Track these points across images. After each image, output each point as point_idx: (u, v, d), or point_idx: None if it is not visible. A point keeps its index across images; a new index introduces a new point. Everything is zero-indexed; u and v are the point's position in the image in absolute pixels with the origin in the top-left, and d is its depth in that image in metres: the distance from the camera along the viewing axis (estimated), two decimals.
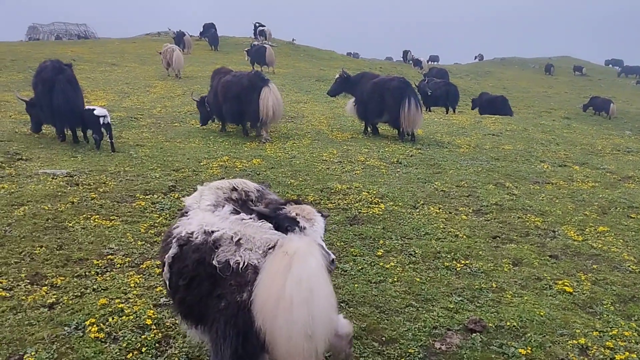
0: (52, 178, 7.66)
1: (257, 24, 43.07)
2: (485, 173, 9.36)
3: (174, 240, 3.15)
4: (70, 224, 5.97)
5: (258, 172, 8.76)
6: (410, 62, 48.42)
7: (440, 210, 7.17)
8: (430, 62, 60.69)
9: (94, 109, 10.00)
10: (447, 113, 20.87)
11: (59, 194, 6.96)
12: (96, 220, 6.14)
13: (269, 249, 2.85)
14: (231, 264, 2.84)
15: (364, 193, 7.71)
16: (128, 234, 5.78)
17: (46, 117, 10.43)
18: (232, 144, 11.34)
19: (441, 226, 6.52)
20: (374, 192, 7.80)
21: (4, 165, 8.22)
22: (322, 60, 35.22)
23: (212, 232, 3.01)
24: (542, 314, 4.42)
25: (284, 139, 12.11)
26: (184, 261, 3.04)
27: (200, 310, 3.01)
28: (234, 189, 3.70)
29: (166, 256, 3.15)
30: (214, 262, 2.88)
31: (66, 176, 7.81)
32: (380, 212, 6.91)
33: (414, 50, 53.97)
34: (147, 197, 7.11)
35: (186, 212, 3.35)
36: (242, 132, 12.82)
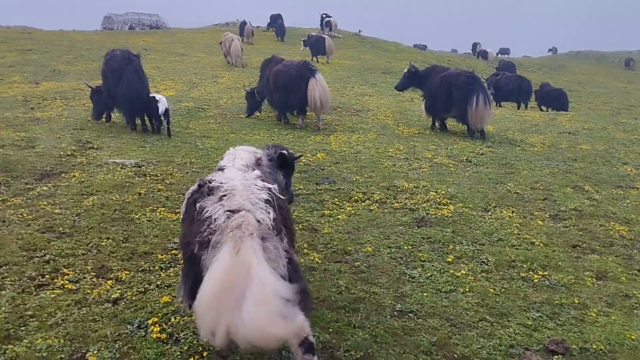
0: (121, 168, 7.76)
1: (324, 15, 42.94)
2: (562, 175, 8.82)
3: (197, 181, 3.54)
4: (137, 216, 6.00)
5: (322, 167, 8.59)
6: (477, 54, 46.90)
7: (514, 214, 6.77)
8: (500, 55, 58.83)
9: (154, 96, 10.38)
10: (518, 109, 20.06)
11: (127, 184, 7.03)
12: (162, 212, 6.15)
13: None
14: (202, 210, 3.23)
15: (431, 193, 7.40)
16: None
17: (114, 104, 10.85)
18: (296, 137, 11.23)
19: (515, 232, 6.14)
20: (443, 192, 7.47)
21: (76, 153, 8.42)
22: (388, 52, 34.66)
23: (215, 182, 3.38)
24: (633, 337, 4.02)
25: (349, 133, 11.90)
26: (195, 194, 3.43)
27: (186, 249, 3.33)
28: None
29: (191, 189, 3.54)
30: (197, 204, 3.28)
31: (134, 166, 7.90)
32: (450, 214, 6.59)
33: (483, 43, 52.34)
34: None
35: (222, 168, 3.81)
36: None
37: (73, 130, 10.00)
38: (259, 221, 3.07)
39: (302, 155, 7.09)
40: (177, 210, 6.23)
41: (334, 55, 26.83)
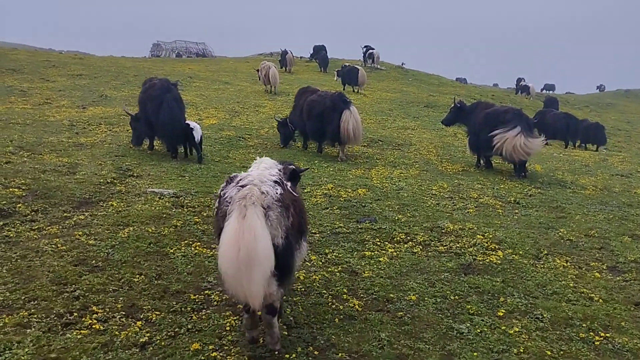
0: (159, 198, 7.66)
1: (366, 47, 43.11)
2: (617, 221, 8.30)
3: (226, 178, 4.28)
4: (172, 250, 5.82)
5: (363, 204, 8.31)
6: (518, 89, 45.33)
7: (568, 264, 6.32)
8: (545, 91, 57.82)
9: (188, 124, 10.65)
10: (566, 147, 19.43)
11: (164, 215, 6.90)
12: (197, 247, 5.96)
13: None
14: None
15: (478, 236, 7.01)
16: None
17: (152, 132, 11.00)
18: (337, 170, 10.99)
19: (571, 284, 5.69)
20: (490, 235, 7.07)
21: (115, 181, 8.38)
22: (430, 86, 34.38)
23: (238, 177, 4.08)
24: None
25: (391, 168, 11.61)
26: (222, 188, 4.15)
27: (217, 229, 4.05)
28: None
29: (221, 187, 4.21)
30: (221, 193, 4.07)
31: (172, 196, 7.79)
32: (499, 261, 6.19)
33: (528, 78, 51.45)
34: None
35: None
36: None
37: (115, 157, 10.02)
38: (263, 193, 3.76)
39: (307, 168, 8.24)
40: (213, 246, 6.04)
41: (365, 86, 27.06)
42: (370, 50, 40.88)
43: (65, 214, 6.64)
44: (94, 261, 5.33)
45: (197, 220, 6.84)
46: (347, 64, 31.11)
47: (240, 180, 3.96)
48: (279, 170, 4.32)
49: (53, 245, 5.58)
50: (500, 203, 9.01)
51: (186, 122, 10.83)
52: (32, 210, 6.63)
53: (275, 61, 35.47)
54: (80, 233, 6.01)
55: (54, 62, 24.73)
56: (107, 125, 13.38)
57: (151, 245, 5.90)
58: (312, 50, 43.35)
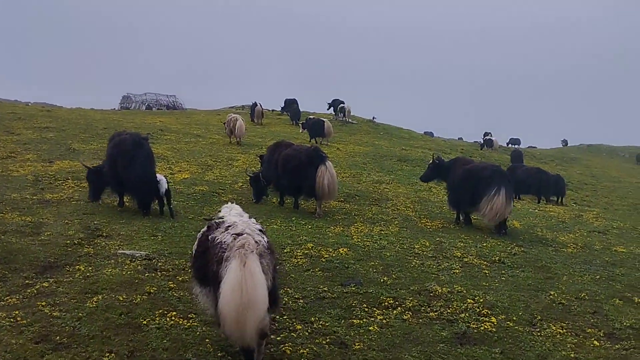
0: (130, 261, 7.19)
1: (333, 101, 43.62)
2: (605, 282, 8.12)
3: (207, 223, 4.80)
4: (145, 322, 5.34)
5: (346, 265, 7.95)
6: (483, 144, 45.16)
7: (565, 330, 6.04)
8: (511, 145, 59.12)
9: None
10: (538, 202, 19.53)
11: (136, 281, 6.42)
12: (173, 318, 5.49)
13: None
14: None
15: (469, 300, 6.71)
16: (207, 340, 5.06)
17: (121, 188, 10.67)
18: (315, 227, 10.66)
19: (572, 355, 5.39)
20: (481, 299, 6.77)
21: (83, 242, 7.88)
22: (401, 140, 34.71)
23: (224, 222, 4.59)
24: None
25: (370, 225, 11.34)
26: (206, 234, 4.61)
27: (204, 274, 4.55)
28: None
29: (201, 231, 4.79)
30: (210, 237, 4.48)
31: (145, 259, 7.32)
32: (494, 329, 5.87)
33: (494, 132, 52.46)
34: None
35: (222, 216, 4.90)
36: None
37: (83, 215, 9.53)
38: (257, 242, 4.29)
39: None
40: (190, 316, 5.58)
41: (332, 137, 27.31)
42: (341, 105, 41.35)
43: (27, 281, 6.12)
44: (58, 337, 4.82)
45: (172, 285, 6.38)
46: (312, 117, 31.52)
47: (230, 227, 4.42)
48: (249, 217, 4.92)
49: (11, 319, 5.05)
50: (485, 263, 8.76)
51: None
52: None
53: (246, 114, 35.61)
54: (43, 303, 5.50)
55: (20, 114, 24.14)
56: (74, 180, 12.86)
57: (122, 316, 5.41)
58: (284, 103, 43.67)
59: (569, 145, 67.46)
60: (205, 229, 4.70)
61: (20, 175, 12.89)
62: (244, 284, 3.94)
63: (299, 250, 8.52)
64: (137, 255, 7.43)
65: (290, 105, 38.79)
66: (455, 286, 7.28)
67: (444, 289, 7.12)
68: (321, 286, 6.89)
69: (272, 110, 44.19)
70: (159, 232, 8.95)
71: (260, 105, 35.79)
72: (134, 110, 48.28)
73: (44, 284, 6.05)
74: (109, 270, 6.70)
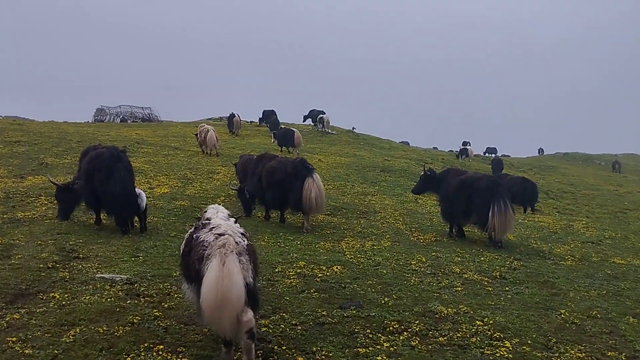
0: (110, 285, 6.60)
1: (315, 112, 43.33)
2: (613, 298, 7.77)
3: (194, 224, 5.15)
4: (129, 358, 4.78)
5: (342, 285, 7.47)
6: (459, 153, 44.51)
7: (584, 354, 5.62)
8: (487, 154, 59.42)
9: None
10: (525, 212, 19.30)
11: (117, 309, 5.84)
12: (160, 352, 4.93)
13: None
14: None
15: (477, 322, 6.27)
16: None
17: (97, 205, 10.07)
18: (305, 243, 10.17)
19: None
20: (490, 321, 6.34)
21: (58, 265, 7.26)
22: (382, 150, 34.47)
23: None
24: None
25: (361, 239, 10.89)
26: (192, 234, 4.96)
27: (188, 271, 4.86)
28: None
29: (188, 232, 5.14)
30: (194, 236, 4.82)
31: (126, 283, 6.74)
32: (510, 355, 5.43)
33: (467, 142, 52.41)
34: None
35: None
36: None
37: (57, 234, 8.88)
38: (237, 242, 4.56)
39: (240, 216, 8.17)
40: (179, 349, 5.03)
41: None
42: (321, 115, 41.03)
43: None
44: None
45: (157, 314, 5.81)
46: (282, 127, 32.24)
47: (214, 228, 4.73)
48: (234, 220, 5.23)
49: None
50: (486, 279, 8.36)
51: None
52: None
53: (223, 125, 35.18)
54: (13, 339, 4.90)
55: None
56: (47, 196, 12.15)
57: (103, 352, 4.84)
58: (262, 114, 43.15)
59: (545, 153, 68.15)
60: (192, 229, 5.11)
61: None
62: (220, 282, 4.25)
63: (291, 270, 8.02)
64: (117, 279, 6.84)
65: (269, 117, 38.30)
66: (460, 306, 6.85)
67: (449, 309, 6.68)
68: (319, 310, 6.39)
69: (251, 122, 43.64)
70: (140, 252, 8.36)
71: (238, 116, 35.36)
72: (108, 123, 47.33)
73: (14, 316, 5.44)
74: (87, 298, 6.11)
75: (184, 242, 5.18)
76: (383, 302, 6.84)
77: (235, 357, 4.86)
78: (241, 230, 4.90)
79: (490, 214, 10.42)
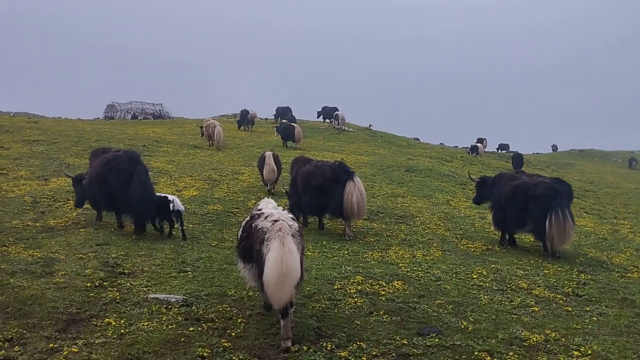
0: (166, 308, 6.04)
1: (327, 108, 42.78)
2: None
3: (249, 214, 6.01)
4: None
5: (410, 304, 6.88)
6: (470, 149, 43.39)
7: None
8: (500, 151, 58.61)
9: (166, 196, 9.75)
10: None
11: (182, 339, 5.28)
12: None
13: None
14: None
15: (574, 352, 5.68)
16: None
17: (114, 208, 9.96)
18: (352, 253, 9.63)
19: None
20: (588, 350, 5.73)
21: (105, 283, 6.70)
22: (400, 147, 33.77)
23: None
24: None
25: (408, 247, 10.34)
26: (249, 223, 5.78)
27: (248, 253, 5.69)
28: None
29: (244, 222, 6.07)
30: (253, 224, 5.61)
31: (182, 305, 6.18)
32: None
33: (475, 137, 51.38)
34: (292, 347, 5.31)
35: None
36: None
37: (96, 246, 8.34)
38: (290, 226, 5.34)
39: None
40: None
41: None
42: (335, 112, 40.42)
43: (50, 344, 4.94)
44: None
45: (226, 344, 5.24)
46: (284, 121, 33.52)
47: (269, 216, 5.49)
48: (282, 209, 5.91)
49: None
50: (559, 296, 7.75)
51: (164, 195, 9.90)
52: (5, 340, 4.91)
53: (233, 122, 35.06)
54: None
55: (7, 126, 22.74)
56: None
57: None
58: (276, 111, 42.56)
59: (559, 150, 67.22)
60: (248, 218, 5.95)
61: (17, 196, 11.63)
62: (283, 258, 4.99)
63: (351, 287, 7.44)
64: (172, 300, 6.27)
65: (286, 114, 37.65)
66: (546, 331, 6.26)
67: (535, 335, 6.08)
68: (397, 337, 5.81)
69: (266, 119, 43.10)
70: (187, 265, 7.79)
71: (254, 112, 34.97)
72: (123, 120, 46.83)
73: (72, 349, 4.87)
74: (145, 324, 5.55)
75: (241, 230, 6.09)
76: (462, 326, 6.25)
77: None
78: (291, 216, 5.66)
79: (547, 224, 9.79)
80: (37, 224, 9.46)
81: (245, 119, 34.86)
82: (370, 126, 41.48)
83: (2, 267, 6.79)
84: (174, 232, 9.78)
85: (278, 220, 5.34)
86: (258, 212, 5.70)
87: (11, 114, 45.63)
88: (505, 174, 11.89)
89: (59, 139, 21.24)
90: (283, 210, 5.76)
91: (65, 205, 11.36)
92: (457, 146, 54.65)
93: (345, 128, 39.00)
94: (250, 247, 5.55)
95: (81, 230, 9.37)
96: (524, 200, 10.21)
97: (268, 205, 5.91)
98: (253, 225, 5.56)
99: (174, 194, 13.64)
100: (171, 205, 9.57)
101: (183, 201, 12.88)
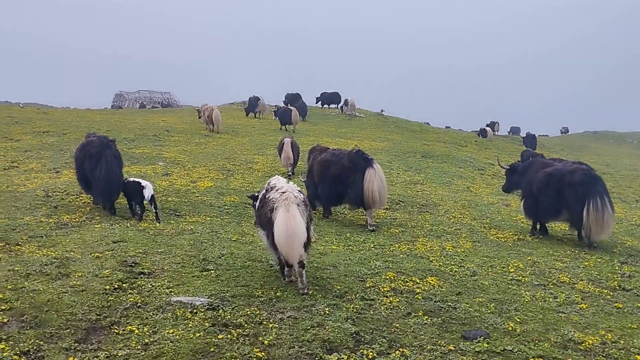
0: (191, 312, 5.62)
1: (327, 94, 42.44)
2: None
3: (264, 187, 6.98)
4: None
5: (449, 303, 6.44)
6: (479, 132, 42.34)
7: None
8: (511, 134, 57.84)
9: (139, 181, 10.05)
10: None
11: (211, 349, 4.85)
12: None
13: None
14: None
15: (636, 357, 5.22)
16: None
17: (87, 189, 10.67)
18: (378, 247, 9.20)
19: None
20: None
21: (124, 285, 6.28)
22: (414, 133, 33.15)
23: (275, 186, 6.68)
24: None
25: (435, 239, 9.90)
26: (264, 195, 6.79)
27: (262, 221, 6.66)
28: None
29: (260, 195, 7.02)
30: (266, 196, 6.65)
31: (208, 308, 5.75)
32: None
33: (487, 120, 50.46)
34: (329, 357, 4.88)
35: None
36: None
37: (112, 243, 7.92)
38: (295, 196, 6.39)
39: None
40: None
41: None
42: (346, 98, 39.87)
43: (69, 358, 4.53)
44: None
45: (260, 354, 4.80)
46: (282, 105, 35.40)
47: (279, 189, 6.48)
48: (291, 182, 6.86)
49: None
50: (605, 290, 7.28)
51: (135, 179, 10.19)
52: (20, 353, 4.51)
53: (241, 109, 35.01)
54: None
55: (17, 117, 22.44)
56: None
57: None
58: (285, 98, 42.02)
59: (570, 132, 66.17)
60: (264, 191, 6.86)
61: (28, 190, 11.25)
62: (287, 221, 6.10)
63: (383, 284, 6.99)
64: (197, 303, 5.86)
65: (297, 100, 37.04)
66: (600, 331, 5.80)
67: (589, 337, 5.62)
68: (441, 342, 5.37)
69: (275, 106, 42.56)
70: (209, 263, 7.36)
71: (263, 100, 34.60)
72: (133, 109, 46.42)
73: None
74: (171, 332, 5.13)
75: (258, 202, 7.03)
76: (509, 328, 5.79)
77: None
78: (298, 188, 6.64)
79: (585, 213, 9.28)
80: (51, 220, 9.08)
81: (254, 106, 34.40)
82: (382, 111, 40.85)
83: (16, 268, 6.39)
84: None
85: (285, 192, 6.36)
86: (272, 186, 6.68)
87: (20, 105, 45.35)
88: (536, 161, 11.34)
89: (69, 130, 20.88)
90: (292, 184, 6.72)
91: (78, 199, 10.98)
92: (461, 129, 53.49)
93: (357, 114, 38.44)
94: (264, 215, 6.50)
95: (96, 226, 8.97)
96: (559, 188, 9.70)
97: (280, 181, 6.81)
98: (266, 196, 6.59)
99: (189, 185, 13.34)
100: (145, 191, 9.81)
101: (199, 193, 12.53)
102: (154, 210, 9.90)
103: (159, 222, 9.66)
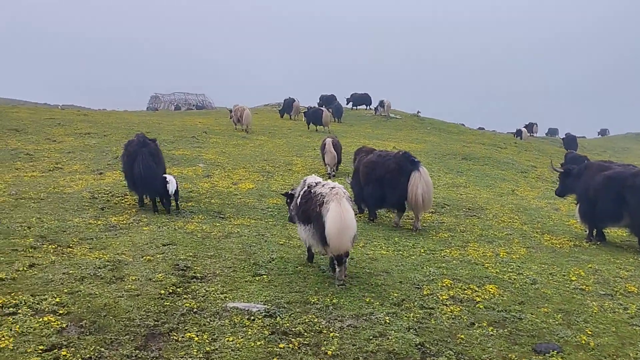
0: (249, 320, 5.47)
1: (357, 94, 42.24)
2: None
3: (305, 184, 7.25)
4: None
5: (514, 314, 6.14)
6: (515, 134, 41.30)
7: None
8: (549, 135, 56.74)
9: (164, 176, 10.47)
10: None
11: (274, 359, 4.68)
12: None
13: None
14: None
15: None
16: None
17: (129, 185, 10.87)
18: (428, 252, 8.90)
19: None
20: None
21: (178, 289, 6.17)
22: (451, 134, 32.68)
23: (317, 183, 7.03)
24: None
25: (487, 244, 9.57)
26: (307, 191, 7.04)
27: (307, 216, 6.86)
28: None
29: (301, 191, 7.24)
30: (312, 191, 6.88)
31: (265, 316, 5.59)
32: None
33: (520, 122, 49.37)
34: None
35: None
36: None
37: (162, 246, 7.84)
38: (344, 192, 6.60)
39: None
40: None
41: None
42: (381, 99, 39.52)
43: None
44: None
45: None
46: (312, 106, 34.59)
47: (325, 185, 6.85)
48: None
49: None
50: None
51: (163, 175, 10.57)
52: None
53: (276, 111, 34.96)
54: None
55: (59, 119, 22.75)
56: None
57: None
58: (319, 99, 41.90)
59: (610, 134, 64.44)
60: (306, 187, 7.09)
61: (74, 191, 11.31)
62: (342, 214, 6.27)
63: (441, 292, 6.73)
64: (253, 310, 5.70)
65: (332, 102, 36.87)
66: None
67: None
68: (512, 355, 5.09)
69: (307, 107, 42.47)
70: (260, 268, 7.21)
71: (298, 101, 34.52)
72: (169, 111, 46.92)
73: None
74: (230, 339, 4.98)
75: (299, 197, 7.22)
76: (582, 341, 5.48)
77: None
78: (342, 186, 6.82)
79: None
80: (99, 222, 9.06)
81: (289, 108, 34.37)
82: (418, 113, 40.34)
83: (70, 271, 6.33)
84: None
85: (334, 187, 6.63)
86: (316, 182, 7.02)
87: (60, 107, 46.29)
88: (593, 163, 10.88)
89: (110, 131, 21.09)
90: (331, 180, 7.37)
91: (123, 201, 10.98)
92: (495, 130, 52.46)
93: (392, 115, 38.08)
94: (309, 210, 6.72)
95: (144, 228, 8.92)
96: (620, 192, 9.27)
97: (317, 179, 7.19)
98: (312, 191, 6.82)
99: (230, 187, 13.27)
100: (169, 185, 10.22)
101: (241, 195, 12.45)
102: (175, 202, 10.59)
103: (178, 210, 10.53)
